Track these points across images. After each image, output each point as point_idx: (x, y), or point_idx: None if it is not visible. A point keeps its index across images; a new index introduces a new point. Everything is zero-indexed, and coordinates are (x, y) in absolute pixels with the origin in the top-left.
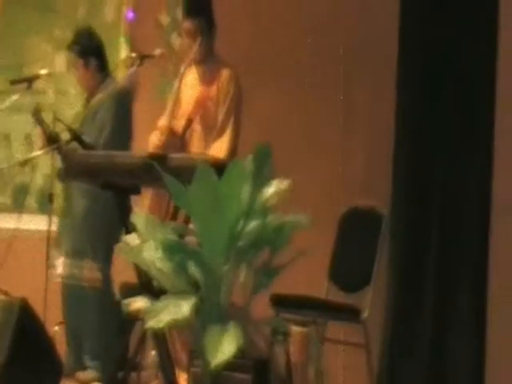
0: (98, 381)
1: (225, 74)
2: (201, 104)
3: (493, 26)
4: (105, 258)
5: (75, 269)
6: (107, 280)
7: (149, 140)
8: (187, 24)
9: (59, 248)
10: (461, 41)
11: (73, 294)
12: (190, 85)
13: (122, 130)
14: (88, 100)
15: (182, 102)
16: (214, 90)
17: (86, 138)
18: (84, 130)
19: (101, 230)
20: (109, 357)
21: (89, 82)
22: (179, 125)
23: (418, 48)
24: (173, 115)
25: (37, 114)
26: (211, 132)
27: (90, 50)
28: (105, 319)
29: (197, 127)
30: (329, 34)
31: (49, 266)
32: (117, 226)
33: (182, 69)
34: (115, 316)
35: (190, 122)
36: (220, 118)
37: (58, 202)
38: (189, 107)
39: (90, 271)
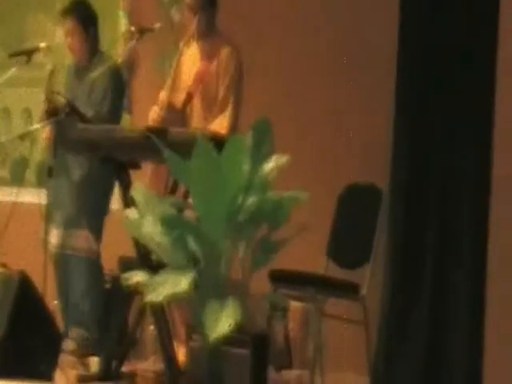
0: (75, 355)
1: (225, 50)
2: (201, 79)
3: (493, 25)
4: (98, 229)
5: (69, 238)
6: (98, 251)
7: (148, 115)
8: None
9: (51, 221)
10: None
11: (65, 263)
12: (191, 60)
13: (118, 105)
14: (77, 69)
15: (182, 76)
16: (214, 65)
17: (85, 112)
18: (79, 102)
19: (95, 200)
20: (90, 327)
21: (83, 50)
22: (179, 100)
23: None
24: (172, 90)
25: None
26: (211, 108)
27: (89, 18)
28: (93, 290)
29: (196, 103)
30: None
31: (45, 242)
32: (109, 198)
33: (182, 43)
34: (100, 289)
35: (189, 97)
36: (221, 94)
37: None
38: (189, 82)
39: (84, 240)
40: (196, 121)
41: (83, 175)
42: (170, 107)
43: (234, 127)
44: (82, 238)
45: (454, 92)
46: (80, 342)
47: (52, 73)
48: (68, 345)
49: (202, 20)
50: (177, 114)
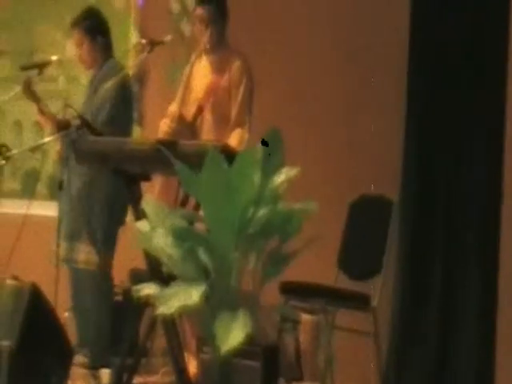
0: (86, 367)
1: (236, 63)
2: (211, 92)
3: (503, 23)
4: (103, 241)
5: (71, 251)
6: (104, 264)
7: (159, 127)
8: (199, 11)
9: (60, 234)
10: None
11: (74, 276)
12: (202, 73)
13: (120, 113)
14: (91, 79)
15: (192, 89)
16: (225, 79)
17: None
18: (84, 108)
19: (98, 213)
20: (97, 342)
21: (92, 60)
22: (189, 112)
23: (429, 35)
24: (183, 102)
25: (27, 87)
26: (221, 121)
27: (97, 27)
28: (97, 304)
29: (207, 116)
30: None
31: (56, 255)
32: (119, 210)
33: (193, 56)
34: (109, 302)
35: (200, 110)
36: (235, 109)
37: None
38: (199, 95)
39: (85, 254)
40: (206, 134)
41: (81, 187)
42: (180, 120)
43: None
44: (81, 251)
45: (465, 103)
46: (90, 355)
47: (26, 84)
48: (79, 359)
49: (214, 33)
50: (187, 126)
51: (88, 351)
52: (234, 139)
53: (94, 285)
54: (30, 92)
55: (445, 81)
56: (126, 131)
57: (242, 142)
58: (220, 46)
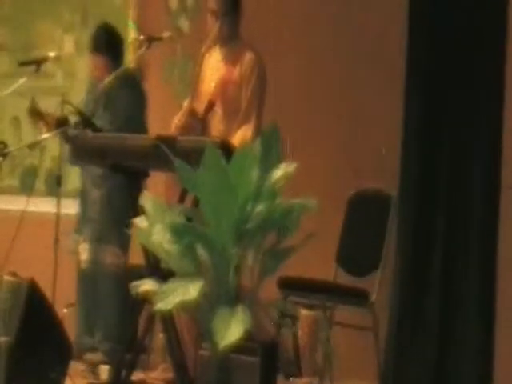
0: (105, 363)
1: (248, 57)
2: (222, 86)
3: (502, 21)
4: (124, 244)
5: (99, 254)
6: (125, 265)
7: (158, 122)
8: (210, 3)
9: (81, 233)
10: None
11: (93, 278)
12: (214, 66)
13: (138, 114)
14: (94, 85)
15: (204, 83)
16: (236, 72)
17: (97, 121)
18: (96, 113)
19: (122, 214)
20: (120, 340)
21: (103, 74)
22: (201, 106)
23: (428, 29)
24: (195, 96)
25: (33, 110)
26: (232, 115)
27: (115, 48)
28: (121, 304)
29: (218, 110)
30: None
31: (71, 251)
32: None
33: (203, 49)
34: (129, 301)
35: (211, 104)
36: (244, 104)
37: (67, 184)
38: (211, 89)
39: (112, 256)
40: (217, 128)
41: (108, 190)
42: (191, 114)
43: (256, 136)
44: (111, 254)
45: (462, 96)
46: (110, 354)
47: (33, 106)
48: (98, 357)
49: (225, 25)
50: (198, 120)
51: (110, 348)
52: (239, 136)
53: (117, 286)
54: (36, 112)
55: (443, 80)
56: (138, 129)
57: (244, 140)
58: (232, 40)
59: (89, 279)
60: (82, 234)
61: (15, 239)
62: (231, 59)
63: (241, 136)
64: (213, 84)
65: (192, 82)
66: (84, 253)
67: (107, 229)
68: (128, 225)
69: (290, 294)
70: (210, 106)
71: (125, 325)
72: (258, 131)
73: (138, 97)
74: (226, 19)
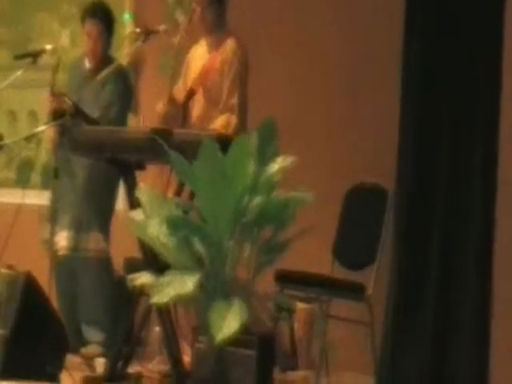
0: (102, 355)
1: (229, 43)
2: (205, 74)
3: (498, 25)
4: (107, 229)
5: (81, 241)
6: (108, 250)
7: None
8: None
9: (56, 222)
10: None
11: (73, 265)
12: (199, 55)
13: (127, 106)
14: (84, 71)
15: (191, 72)
16: (218, 60)
17: (91, 114)
18: (85, 104)
19: (103, 201)
20: (114, 330)
21: (98, 53)
22: (182, 95)
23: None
24: (174, 85)
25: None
26: (213, 103)
27: (111, 22)
28: (111, 291)
29: (200, 98)
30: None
31: (45, 242)
32: (115, 198)
33: (177, 38)
34: (119, 288)
35: (191, 92)
36: (225, 91)
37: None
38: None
39: (96, 242)
40: (196, 115)
41: (88, 177)
42: (172, 102)
43: (240, 126)
44: (93, 240)
45: (460, 90)
46: (103, 343)
47: (56, 68)
48: (93, 348)
49: (208, 14)
50: (179, 109)
51: (104, 339)
52: (218, 123)
53: (101, 272)
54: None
55: (442, 79)
56: (124, 122)
57: (228, 126)
58: (218, 29)
59: (69, 267)
60: (57, 222)
61: (11, 232)
62: (215, 48)
63: (223, 121)
64: (197, 72)
65: (173, 72)
66: (63, 240)
67: (89, 215)
68: (110, 210)
69: (286, 287)
70: (190, 94)
71: (112, 311)
72: (241, 121)
73: (124, 90)
74: (210, 8)
